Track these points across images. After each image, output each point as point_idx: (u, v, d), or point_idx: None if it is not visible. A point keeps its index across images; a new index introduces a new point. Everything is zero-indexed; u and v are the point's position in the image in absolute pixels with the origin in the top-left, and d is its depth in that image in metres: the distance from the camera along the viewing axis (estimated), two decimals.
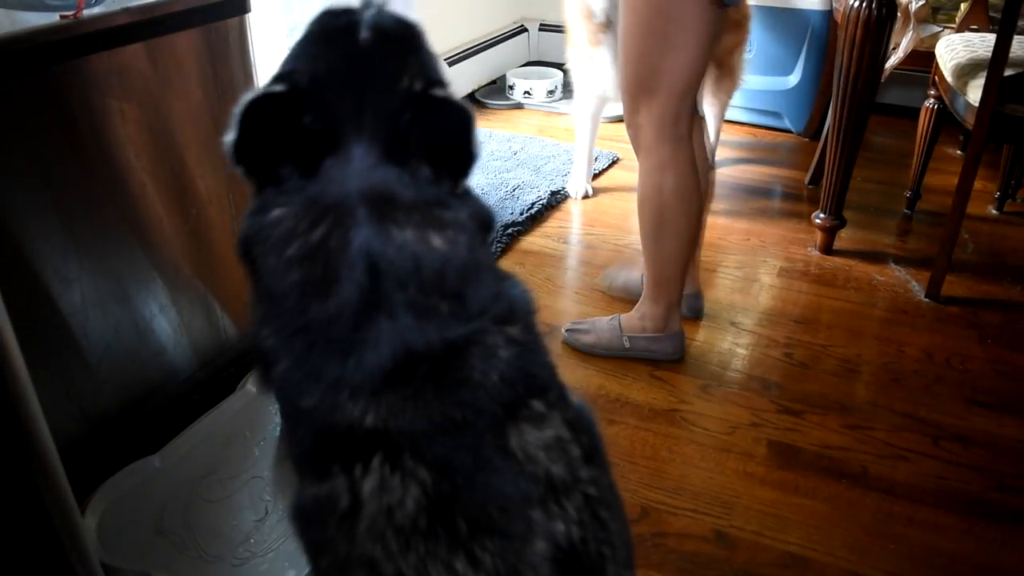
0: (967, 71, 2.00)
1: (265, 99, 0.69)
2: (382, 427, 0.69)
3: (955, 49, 2.14)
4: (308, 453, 0.73)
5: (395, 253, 0.69)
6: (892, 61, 2.53)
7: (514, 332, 0.75)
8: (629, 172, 2.75)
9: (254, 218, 0.73)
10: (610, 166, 2.79)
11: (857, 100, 2.01)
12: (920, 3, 2.47)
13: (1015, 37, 1.76)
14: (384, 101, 0.71)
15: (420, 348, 0.69)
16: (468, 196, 0.76)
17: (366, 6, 0.75)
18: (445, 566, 0.66)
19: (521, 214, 2.39)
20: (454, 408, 0.70)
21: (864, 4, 1.92)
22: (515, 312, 0.76)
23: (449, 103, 0.72)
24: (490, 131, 2.99)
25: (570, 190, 2.58)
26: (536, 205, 2.44)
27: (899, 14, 2.21)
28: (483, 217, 0.76)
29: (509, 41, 3.58)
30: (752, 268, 2.18)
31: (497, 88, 3.46)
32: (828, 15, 2.84)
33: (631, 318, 1.77)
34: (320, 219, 0.69)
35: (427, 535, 0.67)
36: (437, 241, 0.71)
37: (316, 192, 0.71)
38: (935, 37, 2.51)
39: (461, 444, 0.70)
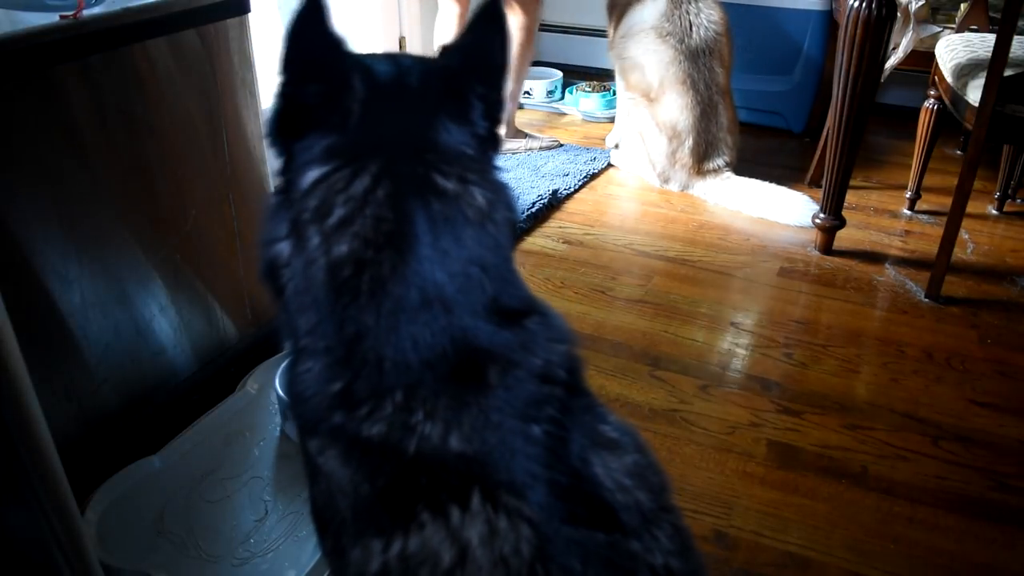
0: (967, 71, 2.00)
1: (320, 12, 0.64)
2: (471, 453, 0.60)
3: (955, 49, 2.14)
4: (373, 500, 0.61)
5: (443, 208, 0.64)
6: (892, 61, 2.53)
7: (564, 350, 0.68)
8: (628, 172, 2.75)
9: (279, 196, 0.68)
10: (609, 166, 2.79)
11: (857, 100, 2.01)
12: (920, 3, 2.47)
13: (1015, 37, 1.76)
14: (424, 65, 0.71)
15: (476, 334, 0.63)
16: (503, 186, 0.72)
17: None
18: None
19: (521, 214, 2.39)
20: (540, 420, 0.63)
21: (864, 4, 1.92)
22: (560, 335, 0.69)
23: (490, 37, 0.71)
24: None
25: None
26: (536, 205, 2.44)
27: (899, 14, 2.21)
28: (511, 212, 0.72)
29: None
30: (752, 268, 2.18)
31: None
32: (828, 15, 2.84)
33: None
34: (361, 169, 0.63)
35: None
36: (480, 199, 0.66)
37: (354, 139, 0.65)
38: (935, 37, 2.51)
39: (556, 470, 0.62)
